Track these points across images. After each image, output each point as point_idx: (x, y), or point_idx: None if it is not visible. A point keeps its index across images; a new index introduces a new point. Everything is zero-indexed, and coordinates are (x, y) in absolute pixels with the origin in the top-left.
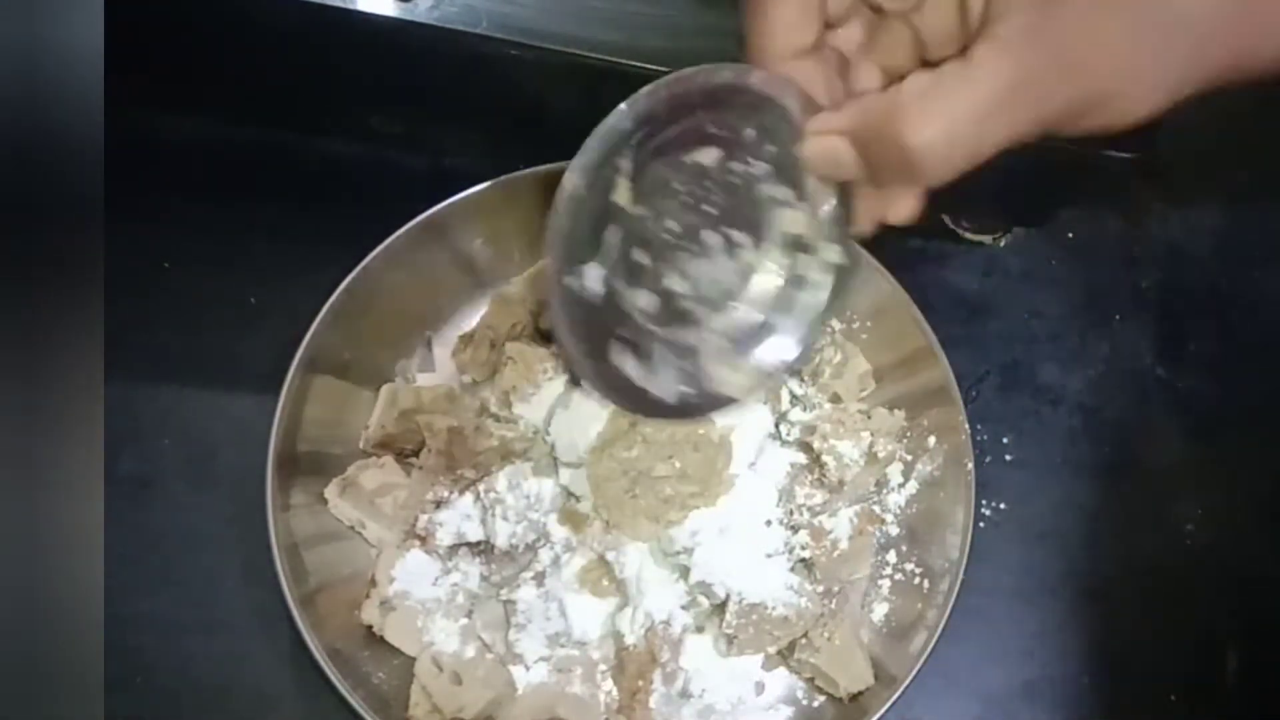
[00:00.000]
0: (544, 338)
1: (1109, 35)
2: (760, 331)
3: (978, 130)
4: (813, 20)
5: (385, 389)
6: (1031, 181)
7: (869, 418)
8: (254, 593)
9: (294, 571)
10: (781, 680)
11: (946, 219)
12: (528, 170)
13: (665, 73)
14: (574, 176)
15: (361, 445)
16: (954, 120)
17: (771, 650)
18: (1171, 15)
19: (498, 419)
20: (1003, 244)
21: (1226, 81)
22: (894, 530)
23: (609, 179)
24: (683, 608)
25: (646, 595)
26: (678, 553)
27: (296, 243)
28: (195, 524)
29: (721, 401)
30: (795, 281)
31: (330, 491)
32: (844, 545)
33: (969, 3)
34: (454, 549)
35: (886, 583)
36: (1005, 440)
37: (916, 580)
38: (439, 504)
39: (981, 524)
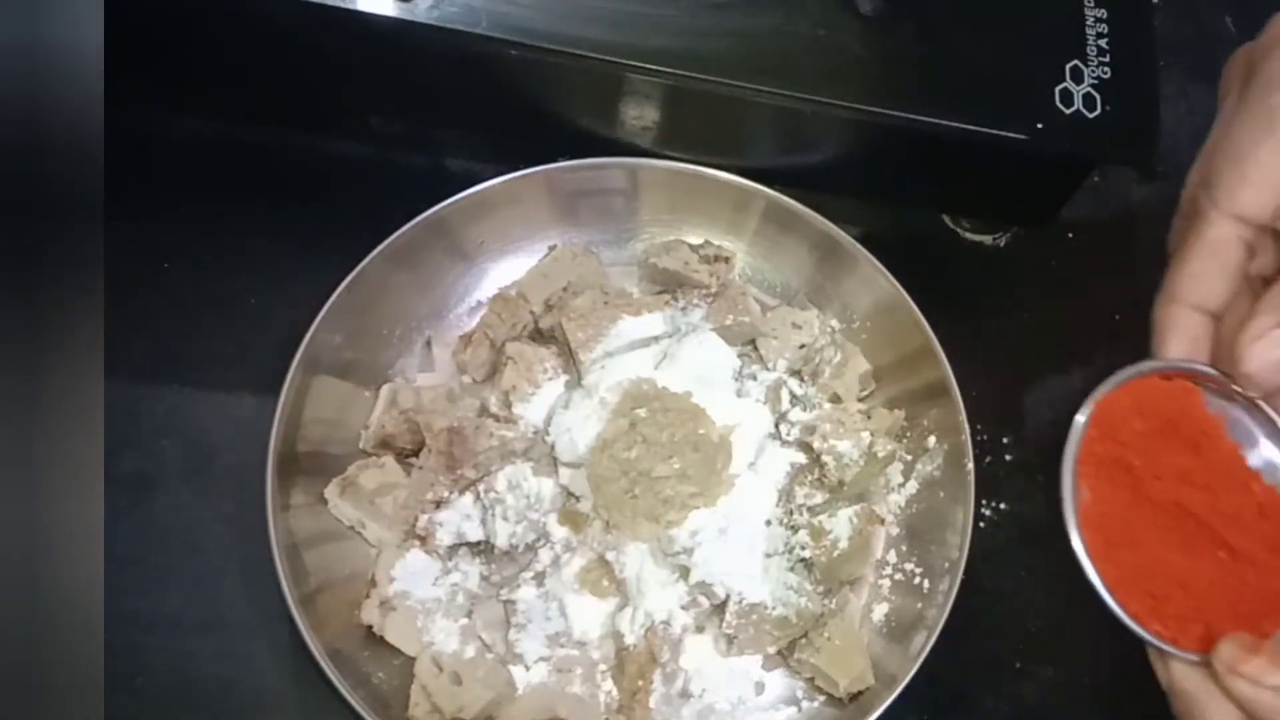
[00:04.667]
0: (544, 338)
1: None
2: None
3: None
4: (1228, 281)
5: (385, 389)
6: (1031, 181)
7: (869, 417)
8: (254, 593)
9: (294, 571)
10: (781, 680)
11: (946, 219)
12: (528, 170)
13: (665, 73)
14: None
15: (361, 445)
16: None
17: (771, 650)
18: None
19: (498, 419)
20: (1003, 244)
21: None
22: (894, 530)
23: None
24: (683, 608)
25: (646, 595)
26: (678, 553)
27: (296, 243)
28: (195, 524)
29: None
30: None
31: (330, 491)
32: (844, 545)
33: None
34: (454, 549)
35: (886, 583)
36: (1005, 440)
37: (916, 580)
38: (439, 504)
39: (981, 524)
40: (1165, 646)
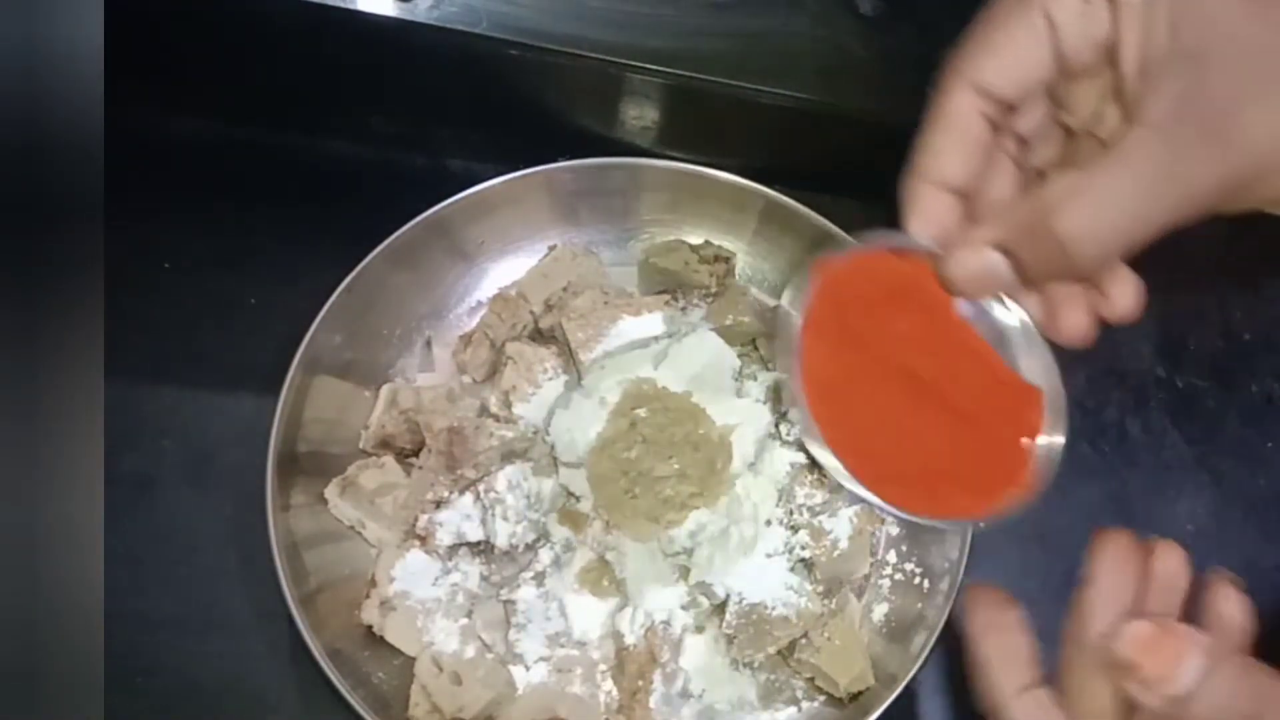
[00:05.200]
0: (544, 338)
1: (1265, 107)
2: None
3: (1130, 215)
4: (968, 157)
5: (385, 389)
6: None
7: None
8: (254, 593)
9: (294, 571)
10: (781, 680)
11: None
12: (528, 170)
13: (666, 73)
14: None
15: (361, 445)
16: (1104, 207)
17: (771, 650)
18: None
19: (498, 419)
20: None
21: None
22: (894, 530)
23: None
24: (683, 608)
25: (646, 595)
26: (678, 553)
27: (296, 243)
28: (195, 524)
29: None
30: None
31: (330, 491)
32: (844, 545)
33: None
34: (454, 549)
35: (886, 583)
36: None
37: (916, 580)
38: (439, 504)
39: (982, 524)
40: (893, 510)
